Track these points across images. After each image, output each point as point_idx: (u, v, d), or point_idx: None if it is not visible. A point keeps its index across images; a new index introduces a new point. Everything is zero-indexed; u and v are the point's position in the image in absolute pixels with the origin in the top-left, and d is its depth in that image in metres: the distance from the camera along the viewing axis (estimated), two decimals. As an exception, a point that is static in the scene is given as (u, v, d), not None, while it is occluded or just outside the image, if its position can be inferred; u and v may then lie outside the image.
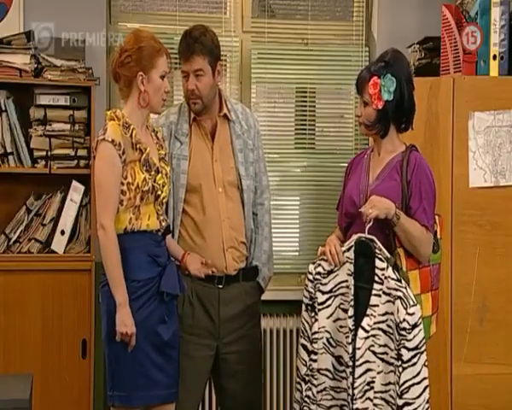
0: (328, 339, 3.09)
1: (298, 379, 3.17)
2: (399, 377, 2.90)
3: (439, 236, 3.20)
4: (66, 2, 4.16)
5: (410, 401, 2.90)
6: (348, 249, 3.07)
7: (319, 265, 3.13)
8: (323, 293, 3.11)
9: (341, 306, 3.08)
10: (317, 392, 3.10)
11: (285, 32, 4.56)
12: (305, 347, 3.14)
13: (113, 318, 3.08)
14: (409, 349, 2.89)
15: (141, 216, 3.15)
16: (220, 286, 3.46)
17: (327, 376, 3.10)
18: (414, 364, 2.90)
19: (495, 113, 3.81)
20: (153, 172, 3.16)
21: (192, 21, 4.35)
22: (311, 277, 3.13)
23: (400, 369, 2.90)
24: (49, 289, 3.93)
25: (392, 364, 2.94)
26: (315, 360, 3.10)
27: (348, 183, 3.28)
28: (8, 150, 3.96)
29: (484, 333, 3.79)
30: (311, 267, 3.14)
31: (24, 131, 3.99)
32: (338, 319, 3.09)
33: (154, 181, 3.16)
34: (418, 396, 2.91)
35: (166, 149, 3.35)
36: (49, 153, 3.97)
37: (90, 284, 3.93)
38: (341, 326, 3.07)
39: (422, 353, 2.92)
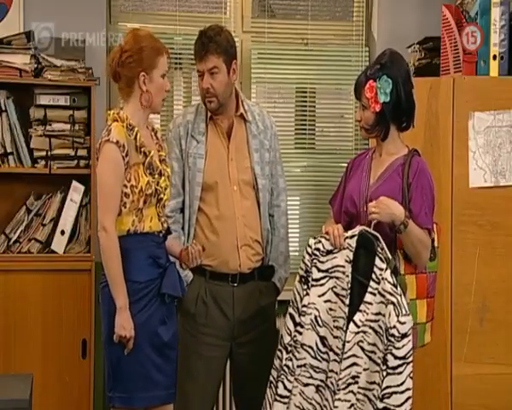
0: (316, 317, 3.09)
1: (280, 347, 3.18)
2: (382, 381, 2.89)
3: (436, 244, 3.19)
4: (66, 2, 4.16)
5: (391, 408, 2.90)
6: (351, 237, 3.07)
7: (319, 241, 3.12)
8: (319, 270, 3.11)
9: (334, 289, 3.08)
10: (297, 366, 3.10)
11: (285, 32, 4.56)
12: (292, 316, 3.15)
13: (114, 319, 3.07)
14: (396, 357, 2.88)
15: (143, 218, 3.14)
16: (234, 284, 3.46)
17: (309, 353, 3.10)
18: (399, 373, 2.89)
19: (495, 113, 3.81)
20: (156, 176, 3.15)
21: (192, 21, 4.38)
22: (309, 250, 3.13)
23: (384, 373, 2.89)
24: (49, 289, 3.93)
25: (378, 364, 2.93)
26: (300, 333, 3.11)
27: (349, 182, 3.28)
28: (8, 150, 3.96)
29: (484, 333, 3.79)
30: (312, 241, 3.14)
31: (24, 131, 3.99)
32: (329, 301, 3.09)
33: (157, 184, 3.15)
34: (399, 405, 2.90)
35: (166, 150, 3.35)
36: (49, 153, 3.97)
37: (90, 284, 3.93)
38: (331, 309, 3.08)
39: (409, 363, 2.91)
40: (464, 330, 3.77)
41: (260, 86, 4.57)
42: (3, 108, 3.96)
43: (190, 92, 4.48)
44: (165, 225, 3.24)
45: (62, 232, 4.00)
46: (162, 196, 3.18)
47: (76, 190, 4.02)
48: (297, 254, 4.64)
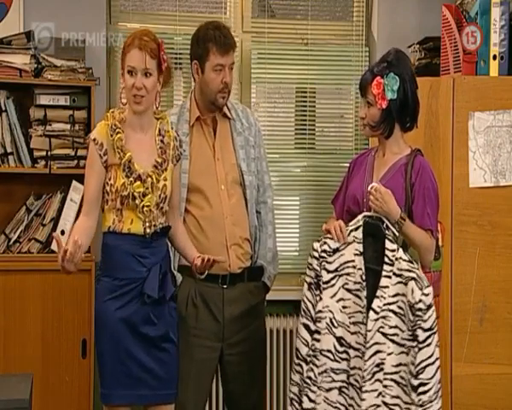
0: (331, 319, 3.07)
1: (297, 360, 3.13)
2: (415, 358, 2.90)
3: (440, 243, 3.19)
4: (66, 2, 4.16)
5: (425, 382, 2.91)
6: (356, 229, 3.07)
7: (324, 243, 3.11)
8: (328, 272, 3.09)
9: (345, 286, 3.07)
10: (319, 374, 3.07)
11: (285, 32, 4.57)
12: (307, 326, 3.11)
13: (99, 316, 3.12)
14: (424, 330, 2.90)
15: (123, 219, 3.14)
16: (224, 286, 3.44)
17: (328, 357, 3.07)
18: (429, 344, 2.91)
19: (495, 113, 3.81)
20: (131, 179, 3.13)
21: (192, 21, 4.37)
22: (316, 254, 3.10)
23: (416, 349, 2.90)
24: (49, 289, 3.93)
25: (403, 345, 2.94)
26: (318, 340, 3.08)
27: (351, 182, 3.27)
28: (8, 150, 3.96)
29: (484, 333, 3.79)
30: (317, 245, 3.12)
31: (24, 131, 3.99)
32: (341, 299, 3.07)
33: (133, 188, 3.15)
34: (432, 376, 2.92)
35: (169, 157, 3.30)
36: (49, 153, 3.97)
37: (90, 284, 3.92)
38: (344, 307, 3.06)
39: (435, 333, 2.93)
40: (464, 330, 3.78)
41: (260, 86, 4.57)
42: (3, 108, 3.96)
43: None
44: (149, 230, 3.15)
45: (62, 232, 3.99)
46: (138, 201, 3.12)
47: (76, 190, 4.01)
48: (297, 254, 4.65)
